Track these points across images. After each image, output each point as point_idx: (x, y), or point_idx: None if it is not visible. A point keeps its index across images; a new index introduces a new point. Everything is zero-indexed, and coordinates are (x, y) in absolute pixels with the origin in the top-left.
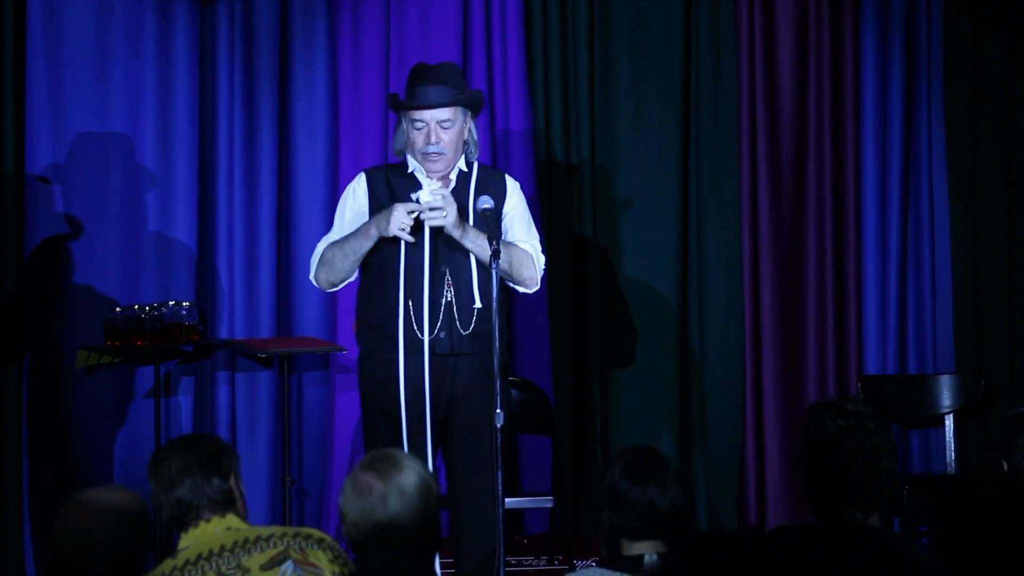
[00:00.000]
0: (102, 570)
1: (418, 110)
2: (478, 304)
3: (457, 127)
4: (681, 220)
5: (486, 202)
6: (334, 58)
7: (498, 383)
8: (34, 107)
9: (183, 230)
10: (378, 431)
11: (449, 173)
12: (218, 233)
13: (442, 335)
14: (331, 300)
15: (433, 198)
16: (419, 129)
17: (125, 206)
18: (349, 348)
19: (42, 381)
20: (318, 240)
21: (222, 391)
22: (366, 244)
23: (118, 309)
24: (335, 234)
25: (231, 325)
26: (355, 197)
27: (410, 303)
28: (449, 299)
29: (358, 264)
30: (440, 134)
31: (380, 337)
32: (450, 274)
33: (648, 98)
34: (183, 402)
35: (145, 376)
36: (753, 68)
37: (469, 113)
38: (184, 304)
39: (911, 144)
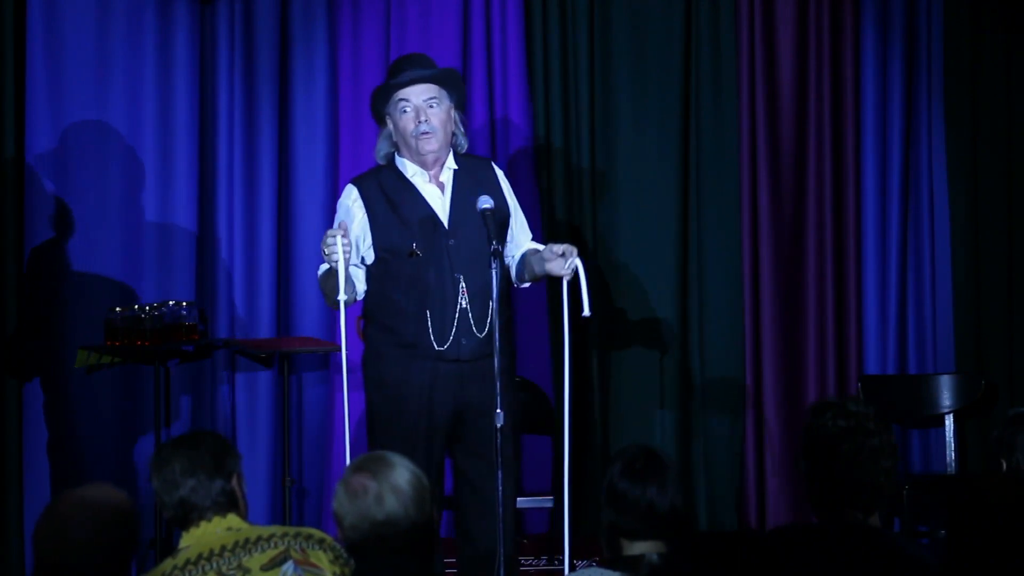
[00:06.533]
0: (84, 570)
1: (403, 88)
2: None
3: (444, 107)
4: (681, 220)
5: (486, 202)
6: (334, 58)
7: (499, 383)
8: (34, 107)
9: (183, 230)
10: (387, 433)
11: (441, 174)
12: (218, 233)
13: (463, 341)
14: None
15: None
16: (406, 112)
17: (125, 206)
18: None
19: (42, 381)
20: (318, 240)
21: (222, 391)
22: (333, 279)
23: (118, 309)
24: None
25: (231, 325)
26: (349, 212)
27: (427, 312)
28: (464, 306)
29: (348, 290)
30: (427, 113)
31: (393, 343)
32: (464, 281)
33: (648, 98)
34: (183, 402)
35: (145, 376)
36: (753, 68)
37: (453, 100)
38: (184, 304)
39: (911, 144)
